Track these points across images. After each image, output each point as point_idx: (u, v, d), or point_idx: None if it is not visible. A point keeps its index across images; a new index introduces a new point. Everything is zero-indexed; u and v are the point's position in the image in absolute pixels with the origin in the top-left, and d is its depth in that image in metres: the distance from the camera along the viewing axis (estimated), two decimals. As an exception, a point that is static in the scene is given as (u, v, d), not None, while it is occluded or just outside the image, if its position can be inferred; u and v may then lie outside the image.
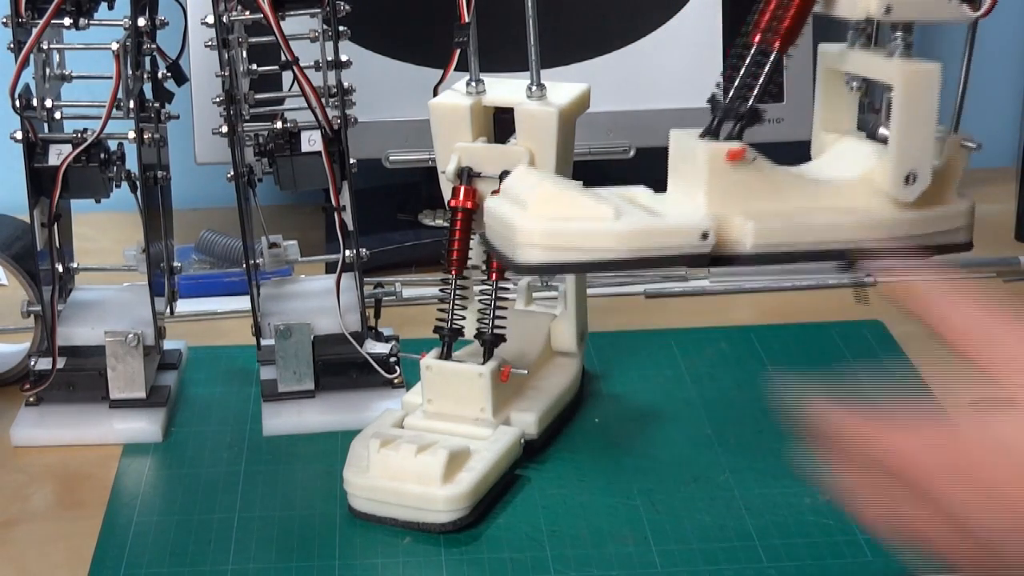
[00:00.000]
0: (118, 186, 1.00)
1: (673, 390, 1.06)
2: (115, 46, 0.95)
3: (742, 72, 0.82)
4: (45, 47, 0.97)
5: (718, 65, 1.24)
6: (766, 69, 0.81)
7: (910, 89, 0.81)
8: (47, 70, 0.98)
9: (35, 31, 0.95)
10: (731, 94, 0.82)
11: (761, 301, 1.22)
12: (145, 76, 1.00)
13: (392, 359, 1.03)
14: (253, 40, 0.98)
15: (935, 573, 0.84)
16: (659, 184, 0.88)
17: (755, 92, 0.81)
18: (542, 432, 0.98)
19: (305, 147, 0.99)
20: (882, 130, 1.43)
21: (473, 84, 0.97)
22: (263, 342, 1.04)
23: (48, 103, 0.98)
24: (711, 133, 0.82)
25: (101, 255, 1.21)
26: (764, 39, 0.81)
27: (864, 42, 0.85)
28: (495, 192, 0.88)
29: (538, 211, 0.80)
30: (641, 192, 0.85)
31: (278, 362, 1.03)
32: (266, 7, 0.94)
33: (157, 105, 1.02)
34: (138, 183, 1.00)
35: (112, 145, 0.99)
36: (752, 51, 0.82)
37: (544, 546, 0.88)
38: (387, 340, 1.04)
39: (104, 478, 0.96)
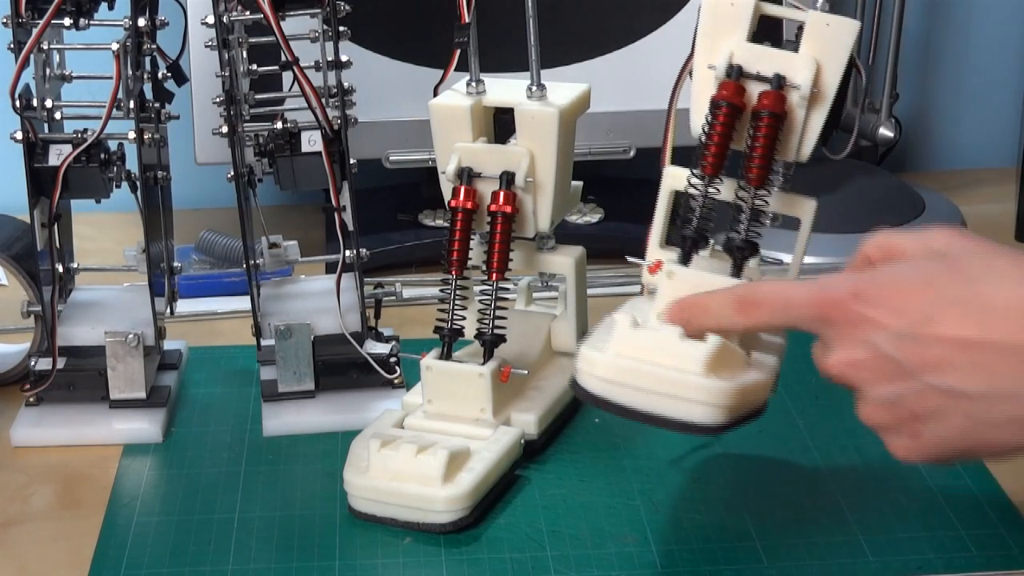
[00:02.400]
0: (118, 186, 1.00)
1: (673, 390, 1.06)
2: (115, 46, 0.95)
3: (702, 205, 0.86)
4: (45, 47, 0.97)
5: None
6: (748, 204, 0.85)
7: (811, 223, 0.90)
8: (47, 70, 0.98)
9: (35, 31, 0.95)
10: (696, 226, 0.86)
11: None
12: (145, 76, 1.01)
13: (392, 359, 1.03)
14: (253, 40, 0.98)
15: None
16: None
17: (744, 226, 0.85)
18: (542, 432, 0.98)
19: (305, 147, 0.99)
20: (882, 130, 1.44)
21: (473, 84, 0.97)
22: (263, 342, 1.04)
23: (48, 103, 0.98)
24: (686, 261, 0.86)
25: (101, 255, 1.21)
26: (742, 177, 0.85)
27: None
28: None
29: (711, 369, 0.79)
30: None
31: (278, 362, 1.03)
32: (266, 7, 0.94)
33: (157, 105, 1.02)
34: (138, 183, 1.00)
35: (112, 145, 0.99)
36: (706, 183, 0.85)
37: (544, 546, 0.88)
38: (387, 340, 1.04)
39: (104, 478, 0.96)
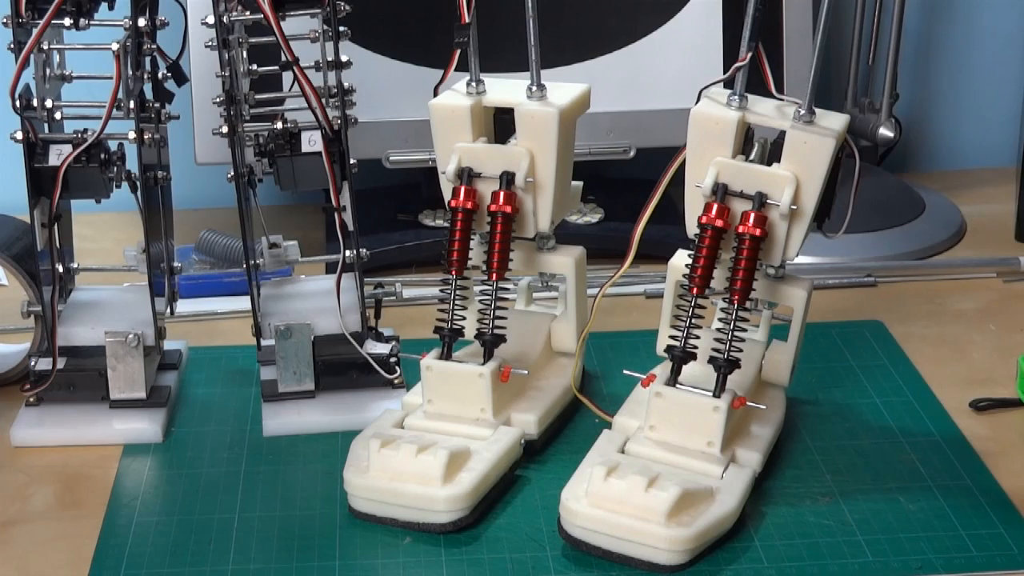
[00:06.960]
0: (118, 186, 1.00)
1: (673, 390, 1.06)
2: (115, 46, 0.95)
3: (688, 325, 0.90)
4: (45, 47, 0.97)
5: (718, 65, 1.24)
6: (732, 324, 0.90)
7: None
8: (47, 70, 0.98)
9: (35, 31, 0.95)
10: (683, 346, 0.91)
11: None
12: (145, 76, 1.01)
13: (392, 359, 1.03)
14: (253, 40, 0.98)
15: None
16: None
17: (726, 346, 0.90)
18: (542, 432, 0.98)
19: (305, 147, 0.99)
20: (882, 130, 1.44)
21: (473, 84, 0.97)
22: (263, 342, 1.04)
23: (48, 103, 0.98)
24: (674, 381, 0.91)
25: (101, 255, 1.21)
26: (727, 297, 0.90)
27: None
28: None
29: (672, 517, 0.85)
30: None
31: (278, 362, 1.03)
32: (266, 7, 0.94)
33: (157, 105, 1.02)
34: (138, 183, 1.00)
35: (112, 145, 0.99)
36: (692, 303, 0.90)
37: (544, 546, 0.88)
38: (387, 340, 1.04)
39: (104, 478, 0.96)
